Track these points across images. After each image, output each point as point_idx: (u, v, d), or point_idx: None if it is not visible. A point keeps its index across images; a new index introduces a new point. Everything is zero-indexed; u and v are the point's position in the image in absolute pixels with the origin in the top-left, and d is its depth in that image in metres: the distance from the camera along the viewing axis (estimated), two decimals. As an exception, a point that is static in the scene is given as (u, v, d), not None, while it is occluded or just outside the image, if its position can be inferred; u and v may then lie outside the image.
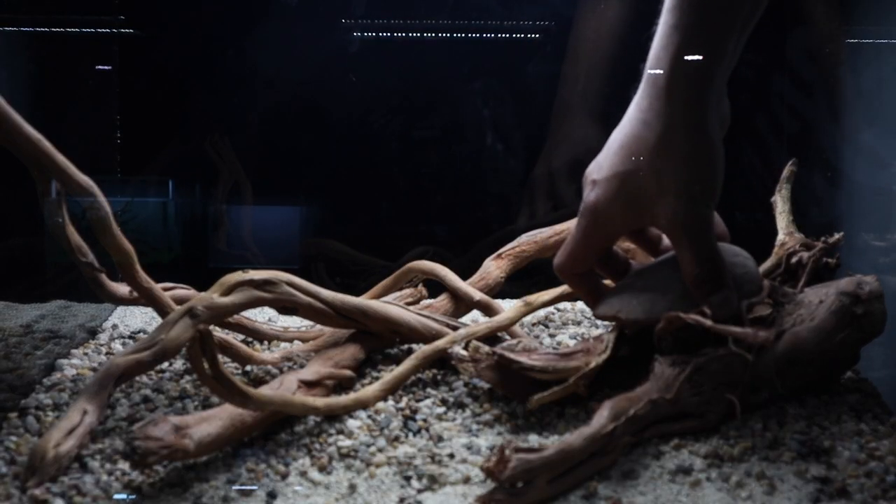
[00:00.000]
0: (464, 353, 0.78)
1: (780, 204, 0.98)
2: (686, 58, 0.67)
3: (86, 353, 0.94)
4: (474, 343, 0.77)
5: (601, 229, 0.75)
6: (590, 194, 0.74)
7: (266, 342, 0.95)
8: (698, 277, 0.71)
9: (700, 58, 0.67)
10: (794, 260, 0.88)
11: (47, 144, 0.75)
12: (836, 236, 0.89)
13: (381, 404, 0.76)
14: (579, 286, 0.80)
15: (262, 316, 1.07)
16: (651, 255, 0.82)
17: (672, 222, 0.71)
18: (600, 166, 0.74)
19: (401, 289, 1.01)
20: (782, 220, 0.96)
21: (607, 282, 0.83)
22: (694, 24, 0.67)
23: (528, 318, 1.03)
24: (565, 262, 0.78)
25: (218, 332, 0.88)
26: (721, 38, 0.68)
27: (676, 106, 0.69)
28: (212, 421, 0.67)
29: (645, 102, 0.71)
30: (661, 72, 0.68)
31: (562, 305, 1.11)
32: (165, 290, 0.89)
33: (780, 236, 0.93)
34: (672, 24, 0.68)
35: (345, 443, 0.70)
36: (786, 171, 1.00)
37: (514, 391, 0.76)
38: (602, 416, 0.66)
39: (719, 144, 0.71)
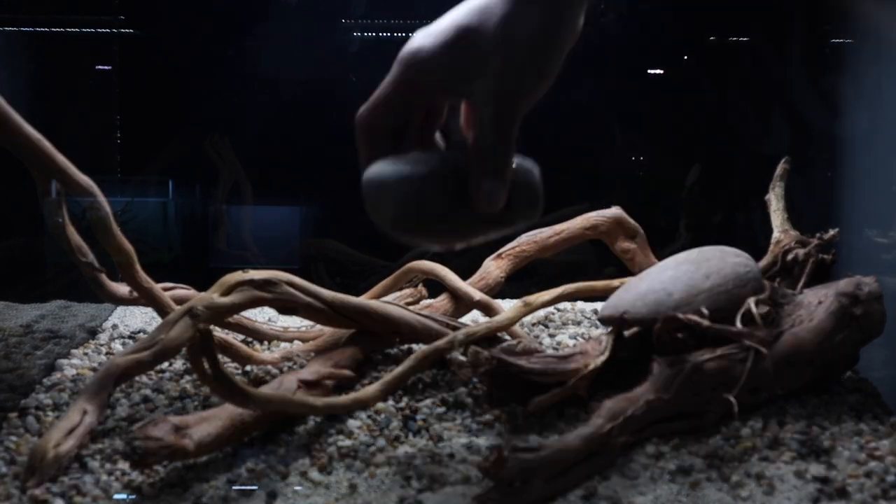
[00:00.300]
0: (462, 358, 0.79)
1: (775, 202, 0.98)
2: None
3: (86, 353, 0.94)
4: (473, 347, 0.77)
5: (413, 82, 0.68)
6: (413, 43, 0.68)
7: (266, 342, 0.96)
8: (485, 149, 0.66)
9: None
10: (789, 257, 0.88)
11: (47, 144, 0.76)
12: (831, 232, 0.89)
13: (381, 404, 0.76)
14: (365, 144, 0.71)
15: (262, 316, 1.07)
16: (424, 136, 0.73)
17: (490, 95, 0.66)
18: (436, 24, 0.69)
19: (401, 289, 1.01)
20: (777, 217, 0.96)
21: (615, 283, 0.83)
22: None
23: (527, 318, 1.03)
24: (368, 108, 0.69)
25: (218, 332, 0.88)
26: None
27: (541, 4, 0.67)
28: (212, 421, 0.67)
29: None
30: None
31: (562, 306, 1.12)
32: (165, 290, 0.89)
33: (776, 234, 0.94)
34: None
35: (345, 443, 0.70)
36: (779, 169, 1.00)
37: (513, 394, 0.76)
38: (600, 417, 0.67)
39: (564, 49, 0.67)
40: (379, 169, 0.68)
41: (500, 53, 0.66)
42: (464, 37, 0.67)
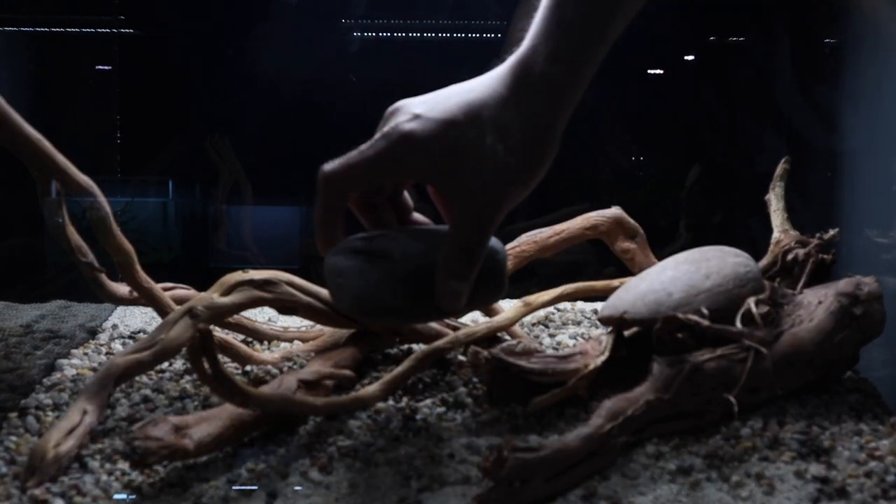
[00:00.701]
0: (462, 358, 0.79)
1: (775, 202, 0.98)
2: (555, 63, 0.64)
3: (86, 353, 0.94)
4: (473, 347, 0.77)
5: (399, 162, 0.67)
6: (407, 123, 0.66)
7: (266, 342, 0.95)
8: (458, 255, 0.66)
9: (569, 69, 0.65)
10: (789, 257, 0.88)
11: (47, 144, 0.76)
12: (831, 232, 0.89)
13: (381, 404, 0.76)
14: (334, 204, 0.70)
15: (262, 316, 1.07)
16: (390, 217, 0.74)
17: (472, 196, 0.66)
18: (432, 104, 0.67)
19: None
20: (777, 217, 0.96)
21: (615, 283, 0.83)
22: (576, 26, 0.64)
23: (528, 318, 1.03)
24: (341, 171, 0.68)
25: (218, 332, 0.88)
26: (593, 53, 0.65)
27: (541, 102, 0.66)
28: (212, 421, 0.67)
29: (510, 80, 0.66)
30: (536, 66, 0.65)
31: (562, 306, 1.12)
32: (165, 290, 0.89)
33: (776, 234, 0.94)
34: (556, 20, 0.64)
35: (345, 443, 0.70)
36: (779, 169, 1.00)
37: (513, 394, 0.76)
38: (600, 417, 0.67)
39: (550, 158, 0.67)
40: (339, 261, 0.68)
41: (491, 156, 0.65)
42: (456, 131, 0.66)
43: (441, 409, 0.77)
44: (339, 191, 0.68)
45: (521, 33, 0.67)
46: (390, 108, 0.69)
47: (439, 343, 0.83)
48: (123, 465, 0.66)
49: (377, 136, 0.67)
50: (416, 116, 0.66)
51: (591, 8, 0.64)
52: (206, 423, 0.67)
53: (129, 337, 1.02)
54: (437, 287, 0.67)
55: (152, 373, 0.85)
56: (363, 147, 0.67)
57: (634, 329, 0.81)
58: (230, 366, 0.87)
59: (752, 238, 1.07)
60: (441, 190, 0.70)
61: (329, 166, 0.68)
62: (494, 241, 0.71)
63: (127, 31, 1.21)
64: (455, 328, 0.87)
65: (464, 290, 0.67)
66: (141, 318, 1.11)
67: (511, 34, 0.69)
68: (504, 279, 0.71)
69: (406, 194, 0.74)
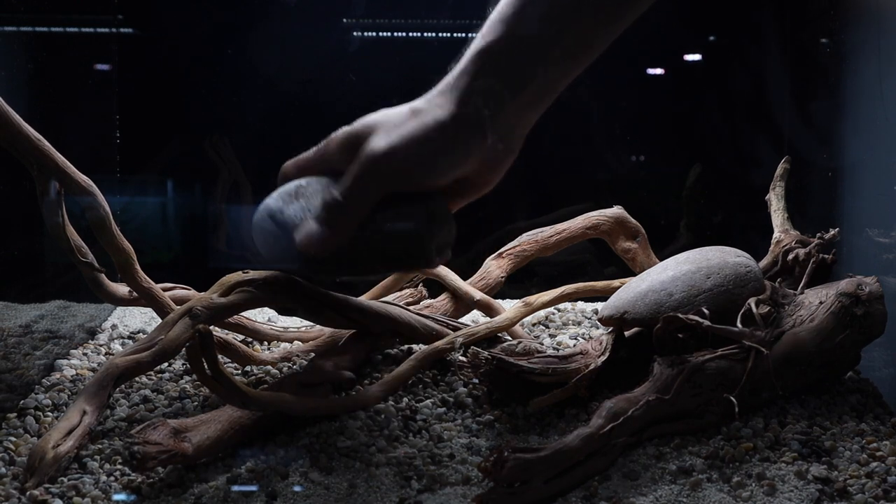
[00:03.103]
0: (463, 358, 0.79)
1: (775, 201, 0.98)
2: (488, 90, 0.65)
3: (85, 354, 0.94)
4: (473, 348, 0.77)
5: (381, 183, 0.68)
6: (381, 140, 0.67)
7: (266, 342, 0.95)
8: (330, 205, 0.68)
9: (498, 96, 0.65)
10: (790, 257, 0.88)
11: (47, 144, 0.75)
12: (832, 232, 0.89)
13: (381, 404, 0.76)
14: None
15: (262, 316, 1.07)
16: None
17: (365, 152, 0.67)
18: (395, 122, 0.68)
19: (401, 289, 1.01)
20: (777, 217, 0.96)
21: (615, 283, 0.83)
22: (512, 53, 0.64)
23: (527, 318, 1.03)
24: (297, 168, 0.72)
25: (218, 333, 0.88)
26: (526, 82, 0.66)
27: (467, 119, 0.66)
28: (211, 424, 0.67)
29: (454, 96, 0.66)
30: (466, 85, 0.65)
31: (562, 306, 1.11)
32: (165, 290, 0.88)
33: (776, 234, 0.93)
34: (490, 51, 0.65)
35: (345, 443, 0.70)
36: (779, 169, 1.00)
37: (513, 394, 0.76)
38: (600, 417, 0.66)
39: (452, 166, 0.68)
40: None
41: (395, 125, 0.66)
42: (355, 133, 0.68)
43: (441, 409, 0.77)
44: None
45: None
46: (348, 136, 0.70)
47: (439, 343, 0.83)
48: (123, 466, 0.66)
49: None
50: (387, 133, 0.67)
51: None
52: (206, 426, 0.67)
53: (129, 337, 1.02)
54: (299, 228, 0.68)
55: (152, 373, 0.85)
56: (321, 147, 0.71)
57: (635, 329, 0.81)
58: (230, 366, 0.87)
59: (753, 237, 1.07)
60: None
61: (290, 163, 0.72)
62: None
63: (126, 30, 1.20)
64: (455, 328, 0.87)
65: (322, 237, 0.67)
66: (140, 319, 1.11)
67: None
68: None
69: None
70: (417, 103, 0.67)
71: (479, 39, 0.66)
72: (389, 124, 0.67)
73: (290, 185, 0.71)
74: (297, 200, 0.70)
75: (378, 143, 0.66)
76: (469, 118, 0.65)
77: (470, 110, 0.65)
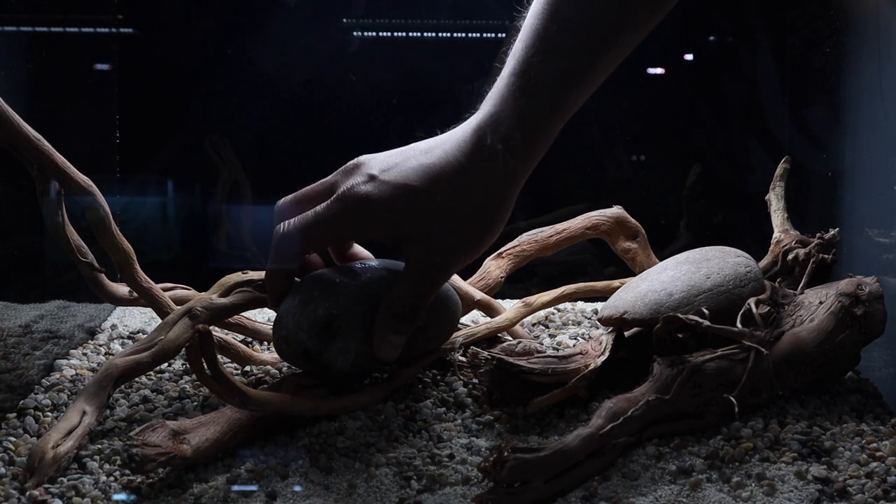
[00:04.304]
0: (463, 359, 0.79)
1: (775, 201, 0.98)
2: (511, 140, 0.66)
3: (85, 354, 0.94)
4: (473, 349, 0.77)
5: (354, 225, 0.70)
6: (364, 185, 0.68)
7: (266, 342, 0.95)
8: (400, 311, 0.70)
9: (531, 135, 0.67)
10: (790, 257, 0.88)
11: (47, 144, 0.75)
12: (832, 232, 0.88)
13: (380, 404, 0.76)
14: (282, 263, 0.73)
15: (262, 316, 1.07)
16: (336, 259, 0.78)
17: (421, 260, 0.69)
18: (390, 166, 0.68)
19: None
20: (777, 217, 0.96)
21: (615, 283, 0.82)
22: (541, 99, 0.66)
23: (527, 318, 1.03)
24: (297, 234, 0.70)
25: (218, 333, 0.88)
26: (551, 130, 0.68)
27: (499, 172, 0.67)
28: (210, 426, 0.67)
29: (468, 147, 0.67)
30: (497, 132, 0.66)
31: (562, 306, 1.11)
32: (165, 290, 0.88)
33: (776, 234, 0.93)
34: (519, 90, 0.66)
35: (345, 443, 0.70)
36: (779, 169, 1.00)
37: (513, 394, 0.76)
38: (600, 417, 0.66)
39: (502, 222, 0.70)
40: (286, 307, 0.73)
41: (442, 223, 0.67)
42: (409, 196, 0.67)
43: (441, 410, 0.77)
44: (294, 252, 0.71)
45: (506, 56, 0.68)
46: (348, 164, 0.71)
47: (439, 343, 0.83)
48: (122, 466, 0.66)
49: (332, 198, 0.69)
50: (372, 178, 0.68)
51: (555, 78, 0.65)
52: (205, 427, 0.67)
53: (129, 337, 1.02)
54: (375, 338, 0.70)
55: (151, 373, 0.85)
56: (319, 209, 0.69)
57: (635, 329, 0.81)
58: (230, 366, 0.87)
59: (753, 237, 1.07)
60: (394, 248, 0.73)
61: (286, 227, 0.70)
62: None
63: (126, 30, 1.20)
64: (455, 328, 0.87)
65: (400, 343, 0.71)
66: (140, 319, 1.11)
67: (500, 57, 0.70)
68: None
69: None
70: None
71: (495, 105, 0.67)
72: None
73: (319, 312, 0.71)
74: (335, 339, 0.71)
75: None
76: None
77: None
